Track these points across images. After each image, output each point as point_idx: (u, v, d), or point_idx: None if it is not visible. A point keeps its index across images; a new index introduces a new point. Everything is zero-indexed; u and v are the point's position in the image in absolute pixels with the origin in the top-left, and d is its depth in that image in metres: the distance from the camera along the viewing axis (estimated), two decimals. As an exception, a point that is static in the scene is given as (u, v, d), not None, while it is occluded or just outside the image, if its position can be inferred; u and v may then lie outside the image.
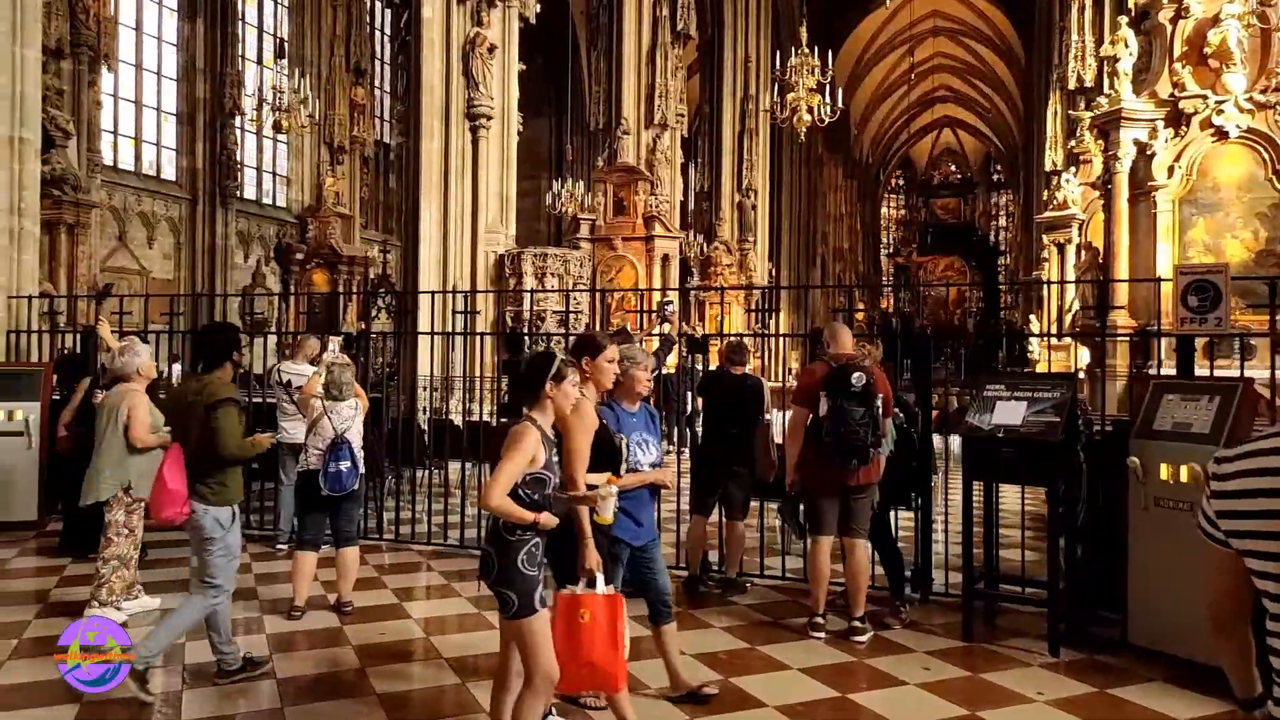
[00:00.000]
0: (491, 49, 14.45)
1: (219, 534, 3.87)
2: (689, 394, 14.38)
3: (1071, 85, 18.32)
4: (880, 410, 4.44)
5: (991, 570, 5.03)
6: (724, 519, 5.57)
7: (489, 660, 4.04)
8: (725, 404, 5.54)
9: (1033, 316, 24.34)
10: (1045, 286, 17.38)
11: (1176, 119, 10.05)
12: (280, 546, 6.36)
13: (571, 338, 5.76)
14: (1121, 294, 11.17)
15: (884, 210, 50.49)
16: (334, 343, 5.70)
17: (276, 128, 13.85)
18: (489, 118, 14.48)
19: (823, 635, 4.60)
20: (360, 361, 7.30)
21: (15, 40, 7.95)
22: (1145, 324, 9.91)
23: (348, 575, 5.10)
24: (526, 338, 8.07)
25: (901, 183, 51.42)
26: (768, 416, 5.60)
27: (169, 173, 21.66)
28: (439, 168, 14.18)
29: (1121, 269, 10.99)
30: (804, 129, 15.14)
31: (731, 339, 5.83)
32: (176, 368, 6.08)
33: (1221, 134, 9.74)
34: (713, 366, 7.12)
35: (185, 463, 3.83)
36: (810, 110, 14.82)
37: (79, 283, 16.15)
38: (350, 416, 5.15)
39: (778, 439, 5.45)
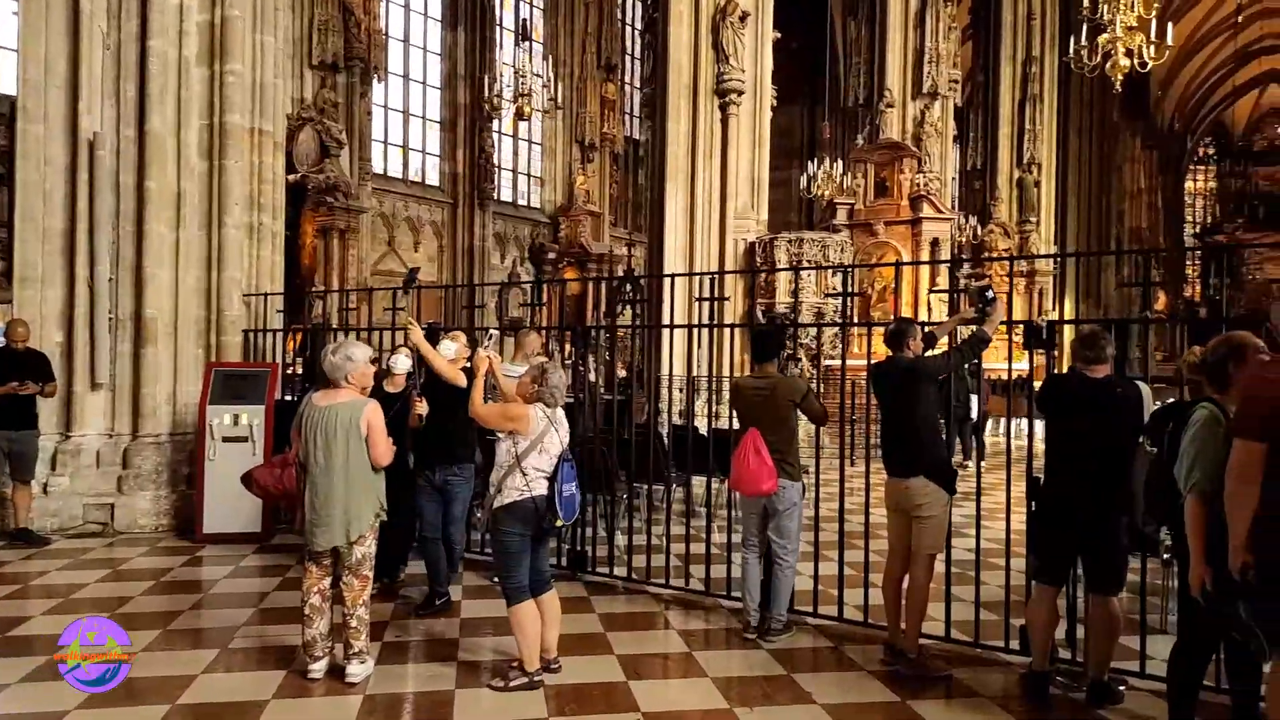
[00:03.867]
0: (744, 17, 13.17)
1: (801, 503, 4.63)
2: (974, 396, 12.30)
3: None
4: None
5: None
6: (1087, 593, 3.81)
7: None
8: (1081, 423, 3.76)
9: None
10: None
11: None
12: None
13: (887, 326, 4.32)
14: None
15: (1189, 184, 43.70)
16: (455, 339, 4.58)
17: (519, 115, 13.39)
18: (740, 93, 13.21)
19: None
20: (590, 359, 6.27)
21: (255, 28, 7.68)
22: None
23: (552, 623, 4.02)
24: (785, 327, 6.59)
25: (1212, 152, 44.24)
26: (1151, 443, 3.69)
27: (432, 178, 22.41)
28: (685, 150, 13.11)
29: None
30: (1120, 76, 12.40)
31: (1084, 328, 3.98)
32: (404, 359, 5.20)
33: None
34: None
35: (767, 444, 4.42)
36: (1129, 53, 12.10)
37: (349, 285, 16.78)
38: (568, 428, 4.04)
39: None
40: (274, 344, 7.49)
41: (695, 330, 5.88)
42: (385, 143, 21.41)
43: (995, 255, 21.37)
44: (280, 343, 7.64)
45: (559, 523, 3.94)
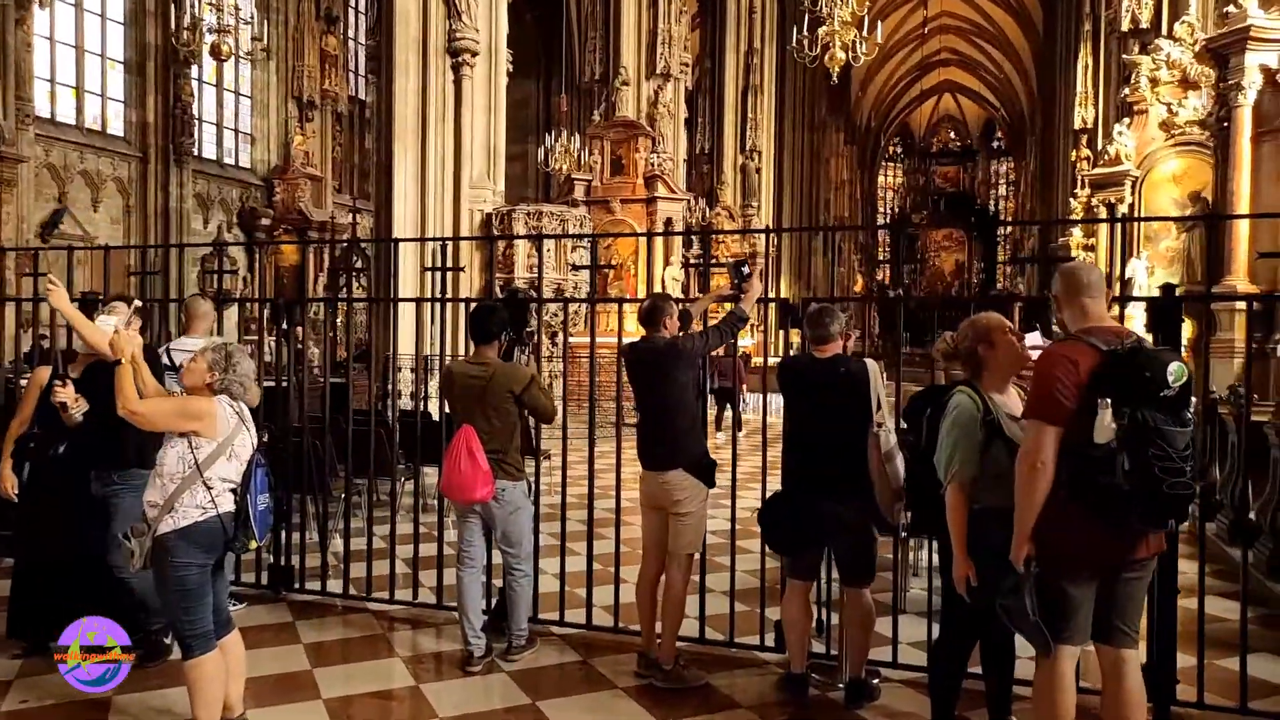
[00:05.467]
0: (476, -28, 12.35)
1: (527, 504, 4.11)
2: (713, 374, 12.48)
3: (1125, 27, 16.51)
4: (1192, 424, 2.54)
5: None
6: (841, 585, 3.62)
7: None
8: (814, 406, 3.56)
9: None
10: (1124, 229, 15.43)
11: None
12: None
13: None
14: (1241, 252, 9.42)
15: (881, 178, 48.63)
16: (115, 311, 3.57)
17: (215, 53, 11.64)
18: (473, 54, 12.41)
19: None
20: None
21: None
22: (1272, 290, 8.17)
23: (236, 672, 3.24)
24: (521, 302, 5.96)
25: (899, 150, 49.54)
26: (879, 424, 3.47)
27: (116, 127, 19.40)
28: (415, 110, 12.12)
29: (1240, 223, 9.12)
30: (838, 68, 13.10)
31: (813, 305, 3.76)
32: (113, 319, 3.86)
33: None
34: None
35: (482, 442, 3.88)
36: (845, 47, 12.78)
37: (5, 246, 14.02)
38: (254, 427, 3.24)
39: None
40: None
41: (431, 305, 5.12)
42: (53, 82, 18.18)
43: (757, 229, 22.15)
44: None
45: (254, 545, 3.16)
